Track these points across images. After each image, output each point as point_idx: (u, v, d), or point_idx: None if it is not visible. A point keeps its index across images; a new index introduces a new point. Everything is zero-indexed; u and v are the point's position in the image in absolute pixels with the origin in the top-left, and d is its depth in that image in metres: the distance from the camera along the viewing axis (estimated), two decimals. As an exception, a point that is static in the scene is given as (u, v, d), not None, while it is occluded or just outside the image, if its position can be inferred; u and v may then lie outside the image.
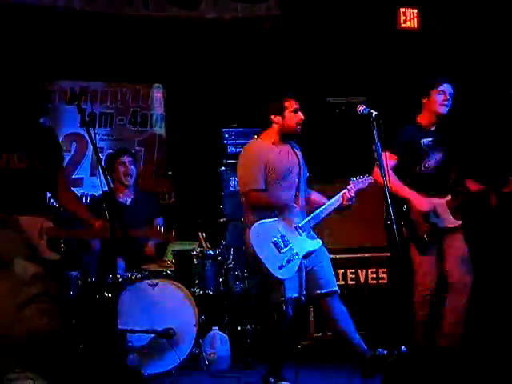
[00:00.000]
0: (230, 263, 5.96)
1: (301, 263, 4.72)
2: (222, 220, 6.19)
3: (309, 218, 4.83)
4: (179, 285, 5.39)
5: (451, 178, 5.27)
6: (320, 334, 5.97)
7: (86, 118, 4.38)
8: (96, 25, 6.74)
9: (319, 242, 4.84)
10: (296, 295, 4.71)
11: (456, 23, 6.76)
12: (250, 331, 5.73)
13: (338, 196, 4.88)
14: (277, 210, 4.76)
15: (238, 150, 6.73)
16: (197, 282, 5.74)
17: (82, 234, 4.70)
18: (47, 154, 4.38)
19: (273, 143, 4.88)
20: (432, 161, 5.21)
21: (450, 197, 5.18)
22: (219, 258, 5.90)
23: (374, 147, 4.68)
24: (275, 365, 4.77)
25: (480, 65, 6.58)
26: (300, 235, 4.76)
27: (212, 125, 6.95)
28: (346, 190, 4.88)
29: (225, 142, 6.71)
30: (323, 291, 4.82)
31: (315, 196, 5.05)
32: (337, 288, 4.87)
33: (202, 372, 5.39)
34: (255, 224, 4.70)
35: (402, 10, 6.96)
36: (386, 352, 4.83)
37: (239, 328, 5.83)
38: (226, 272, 5.90)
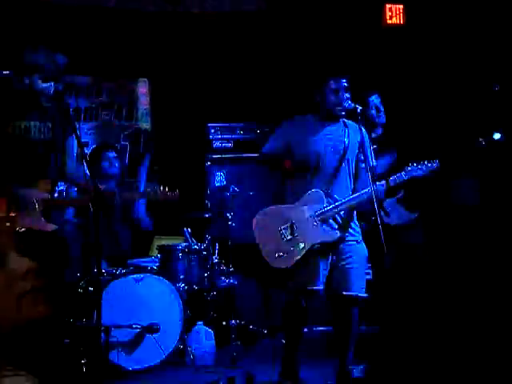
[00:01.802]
0: (215, 258, 5.96)
1: (329, 257, 4.58)
2: (206, 215, 6.18)
3: (330, 207, 4.55)
4: (164, 280, 5.38)
5: None
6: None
7: (71, 113, 4.37)
8: (82, 19, 6.71)
9: (336, 234, 4.58)
10: (313, 288, 4.56)
11: (442, 19, 6.78)
12: (235, 326, 5.73)
13: (367, 189, 4.50)
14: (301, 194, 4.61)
15: (223, 145, 6.75)
16: (182, 276, 5.74)
17: (78, 201, 4.74)
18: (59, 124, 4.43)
19: (321, 122, 4.71)
20: None
21: None
22: (204, 252, 5.90)
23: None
24: (289, 365, 4.69)
25: (466, 60, 6.60)
26: (314, 224, 4.56)
27: (197, 120, 6.94)
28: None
29: (210, 136, 6.71)
30: (344, 293, 4.60)
31: (364, 187, 4.60)
32: (362, 294, 4.61)
33: (187, 367, 5.39)
34: (264, 209, 4.64)
35: (388, 6, 6.97)
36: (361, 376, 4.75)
37: (224, 323, 5.83)
38: (211, 267, 5.90)
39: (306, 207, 4.57)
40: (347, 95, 4.64)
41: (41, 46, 4.30)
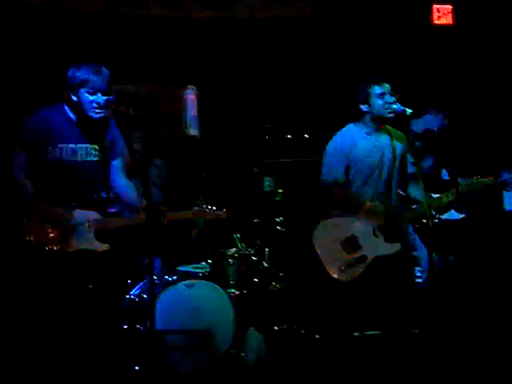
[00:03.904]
0: (266, 263, 5.97)
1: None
2: (256, 220, 6.20)
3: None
4: (215, 285, 5.40)
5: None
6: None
7: (121, 122, 4.40)
8: (130, 28, 6.79)
9: (398, 246, 4.59)
10: (366, 293, 4.62)
11: (491, 18, 6.71)
12: (287, 331, 5.73)
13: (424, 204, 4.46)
14: (355, 206, 4.60)
15: (272, 150, 6.74)
16: (233, 282, 5.76)
17: (130, 221, 4.78)
18: (111, 146, 4.47)
19: (366, 133, 4.73)
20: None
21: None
22: (254, 258, 5.91)
23: (409, 143, 4.66)
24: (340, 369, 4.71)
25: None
26: (376, 237, 4.58)
27: (246, 125, 6.96)
28: None
29: (259, 142, 6.71)
30: (393, 295, 4.63)
31: (415, 193, 4.73)
32: (409, 295, 4.69)
33: (239, 372, 5.40)
34: (325, 221, 4.63)
35: (436, 6, 6.91)
36: None
37: (275, 328, 5.84)
38: (262, 272, 5.91)
39: (367, 220, 4.57)
40: (393, 98, 4.62)
41: (84, 61, 4.35)
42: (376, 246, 4.55)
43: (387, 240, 4.57)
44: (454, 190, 4.58)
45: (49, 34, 6.47)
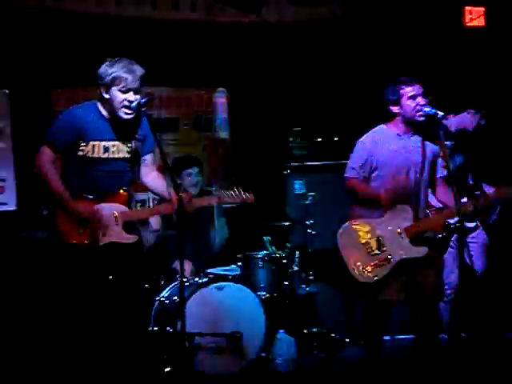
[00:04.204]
0: (296, 266, 5.96)
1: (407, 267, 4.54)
2: (286, 223, 6.19)
3: (415, 224, 4.56)
4: (246, 288, 5.40)
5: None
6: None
7: (153, 124, 4.42)
8: (159, 31, 6.83)
9: (424, 249, 4.53)
10: (393, 298, 4.55)
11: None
12: (317, 334, 5.72)
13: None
14: (383, 207, 4.55)
15: (302, 152, 6.75)
16: (263, 285, 5.75)
17: (156, 211, 4.93)
18: (142, 142, 4.50)
19: (397, 134, 4.68)
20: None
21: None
22: (284, 260, 5.90)
23: (440, 147, 4.62)
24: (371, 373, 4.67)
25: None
26: (401, 239, 4.53)
27: (276, 128, 6.96)
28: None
29: (289, 145, 6.72)
30: (424, 300, 4.59)
31: (444, 198, 4.71)
32: (440, 300, 4.67)
33: (269, 375, 5.40)
34: (349, 222, 4.61)
35: (468, 8, 6.86)
36: None
37: (305, 331, 5.83)
38: (292, 275, 5.90)
39: (394, 221, 4.54)
40: (425, 100, 4.58)
41: (118, 59, 4.35)
42: (402, 249, 4.52)
43: (413, 243, 4.53)
44: (482, 198, 4.56)
45: (87, 37, 6.55)
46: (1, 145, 6.50)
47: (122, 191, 4.44)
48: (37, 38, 6.42)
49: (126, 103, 4.29)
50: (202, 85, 7.27)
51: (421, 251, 4.53)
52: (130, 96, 4.28)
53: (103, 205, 4.35)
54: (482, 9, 6.88)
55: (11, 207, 6.49)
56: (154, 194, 4.91)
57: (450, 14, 6.94)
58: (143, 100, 4.31)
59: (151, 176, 4.59)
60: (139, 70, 4.32)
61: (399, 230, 4.52)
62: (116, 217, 4.36)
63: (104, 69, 4.32)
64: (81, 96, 6.59)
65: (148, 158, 4.57)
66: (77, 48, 6.50)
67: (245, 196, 4.77)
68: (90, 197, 4.34)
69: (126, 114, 4.32)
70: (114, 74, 4.27)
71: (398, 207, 4.55)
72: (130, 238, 4.41)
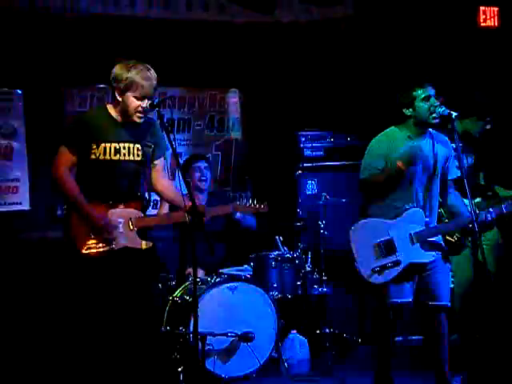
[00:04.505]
0: (308, 267, 5.96)
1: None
2: (298, 224, 6.19)
3: (430, 230, 4.55)
4: (258, 288, 5.40)
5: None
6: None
7: (166, 124, 4.41)
8: (173, 31, 6.84)
9: (432, 255, 4.52)
10: (402, 300, 4.53)
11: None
12: (329, 334, 5.71)
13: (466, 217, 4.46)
14: (394, 210, 4.56)
15: (314, 153, 6.74)
16: (275, 285, 5.75)
17: (172, 218, 4.84)
18: (155, 146, 4.48)
19: (409, 136, 4.64)
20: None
21: None
22: (297, 261, 5.90)
23: (454, 148, 4.60)
24: (382, 375, 4.64)
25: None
26: (412, 243, 4.50)
27: (288, 128, 6.96)
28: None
29: (301, 145, 6.71)
30: (432, 303, 4.56)
31: (455, 201, 4.70)
32: (447, 303, 4.60)
33: (282, 376, 5.40)
34: (362, 221, 4.60)
35: (482, 8, 6.83)
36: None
37: (318, 331, 5.82)
38: (304, 275, 5.90)
39: (405, 224, 4.52)
40: (438, 101, 4.56)
41: (133, 63, 4.29)
42: (412, 252, 4.50)
43: (423, 247, 4.52)
44: (496, 205, 4.56)
45: (101, 37, 6.57)
46: (15, 145, 6.53)
47: (136, 196, 4.44)
48: (48, 39, 6.44)
49: (140, 109, 4.29)
50: (215, 85, 7.28)
51: (430, 256, 4.52)
52: (144, 103, 4.28)
53: (118, 210, 4.33)
54: (496, 8, 6.84)
55: (25, 207, 6.52)
56: (168, 202, 4.95)
57: (463, 13, 6.91)
58: (156, 100, 4.30)
59: (163, 184, 4.56)
60: (154, 77, 4.28)
61: (410, 234, 4.50)
62: (131, 222, 4.35)
63: (119, 72, 4.26)
64: (93, 95, 6.64)
65: (159, 162, 4.54)
66: (90, 48, 6.52)
67: (259, 206, 4.77)
68: (109, 202, 4.33)
69: (140, 117, 4.33)
70: (130, 80, 4.22)
71: (411, 210, 4.54)
72: (145, 244, 4.40)
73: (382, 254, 4.49)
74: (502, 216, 4.61)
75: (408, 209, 4.54)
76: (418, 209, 4.54)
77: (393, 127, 4.72)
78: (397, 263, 4.47)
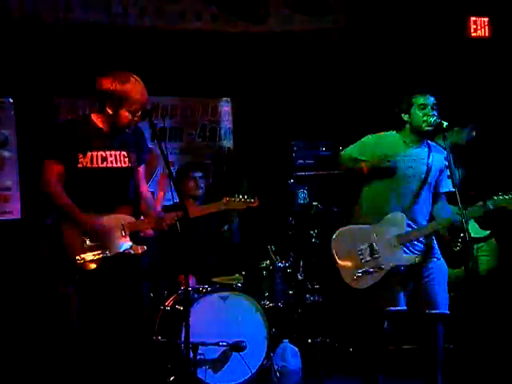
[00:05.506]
0: (300, 275, 5.96)
1: (410, 277, 4.56)
2: (291, 233, 6.19)
3: (411, 231, 4.56)
4: (250, 298, 5.40)
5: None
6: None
7: (157, 133, 4.41)
8: (164, 41, 6.84)
9: (414, 258, 4.55)
10: (396, 309, 4.54)
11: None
12: (321, 344, 5.70)
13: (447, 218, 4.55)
14: (378, 214, 4.59)
15: (306, 162, 6.75)
16: (267, 294, 5.76)
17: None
18: (138, 152, 4.48)
19: (404, 142, 4.67)
20: None
21: None
22: (289, 270, 5.90)
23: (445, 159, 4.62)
24: (371, 380, 4.66)
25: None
26: (394, 247, 4.52)
27: (280, 138, 6.97)
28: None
29: (293, 154, 6.72)
30: (429, 312, 4.56)
31: (442, 212, 4.68)
32: (445, 311, 4.59)
33: (272, 385, 5.40)
34: (343, 228, 4.63)
35: (473, 18, 6.87)
36: None
37: (310, 341, 5.82)
38: (296, 284, 5.90)
39: (386, 229, 4.55)
40: (434, 112, 4.58)
41: (125, 77, 4.27)
42: (394, 256, 4.52)
43: (405, 250, 4.55)
44: (477, 205, 4.57)
45: (91, 47, 6.56)
46: (6, 154, 6.50)
47: (127, 201, 4.43)
48: (40, 48, 6.43)
49: (133, 122, 4.31)
50: (207, 94, 7.28)
51: (412, 260, 4.55)
52: (137, 116, 4.30)
53: (110, 216, 4.33)
54: (486, 19, 6.87)
55: (16, 216, 6.49)
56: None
57: (454, 24, 6.95)
58: (148, 107, 4.33)
59: (142, 192, 4.54)
60: (145, 90, 4.30)
61: (391, 237, 4.52)
62: (123, 227, 4.35)
63: (111, 86, 4.24)
64: (85, 104, 6.63)
65: (141, 170, 4.55)
66: (82, 57, 6.50)
67: (249, 201, 4.79)
68: (100, 209, 4.31)
69: (129, 128, 4.35)
70: (124, 96, 4.22)
71: (392, 215, 4.55)
72: (138, 249, 4.39)
73: (363, 259, 4.51)
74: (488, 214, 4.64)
75: (391, 214, 4.56)
76: (398, 212, 4.56)
77: (391, 131, 4.75)
78: (379, 268, 4.49)
